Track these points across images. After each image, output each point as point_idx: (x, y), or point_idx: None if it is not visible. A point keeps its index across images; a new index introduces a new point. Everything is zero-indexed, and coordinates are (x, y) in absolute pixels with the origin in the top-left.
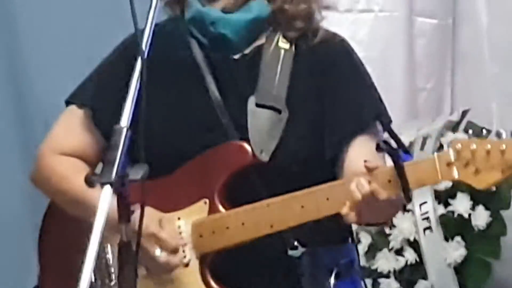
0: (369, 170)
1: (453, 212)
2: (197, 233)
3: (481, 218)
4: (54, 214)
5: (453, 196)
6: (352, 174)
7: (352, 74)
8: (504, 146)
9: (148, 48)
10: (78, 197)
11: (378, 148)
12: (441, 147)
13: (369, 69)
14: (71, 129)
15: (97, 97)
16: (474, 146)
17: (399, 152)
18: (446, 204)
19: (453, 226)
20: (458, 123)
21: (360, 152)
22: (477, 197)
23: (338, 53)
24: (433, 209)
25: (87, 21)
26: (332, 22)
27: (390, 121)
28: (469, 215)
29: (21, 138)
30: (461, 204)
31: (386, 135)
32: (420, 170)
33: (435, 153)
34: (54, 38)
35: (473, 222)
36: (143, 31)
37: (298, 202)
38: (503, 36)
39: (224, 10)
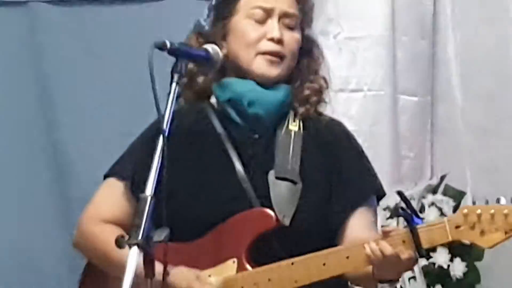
0: (386, 233)
1: (434, 264)
2: None
3: (458, 268)
4: (91, 272)
5: (434, 250)
6: (365, 239)
7: (353, 155)
8: (506, 211)
9: (168, 127)
10: (115, 259)
11: (397, 213)
12: (422, 207)
13: (359, 141)
14: (111, 198)
15: (134, 171)
16: (479, 211)
17: (413, 217)
18: (428, 257)
19: (434, 275)
20: (437, 187)
21: (360, 221)
22: (455, 250)
23: (341, 136)
24: None
25: (119, 108)
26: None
27: (384, 194)
28: (448, 266)
29: (62, 208)
30: (441, 257)
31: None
32: (432, 232)
33: (445, 217)
34: (90, 123)
35: (452, 272)
36: (164, 114)
37: (321, 260)
38: (475, 112)
39: (259, 81)
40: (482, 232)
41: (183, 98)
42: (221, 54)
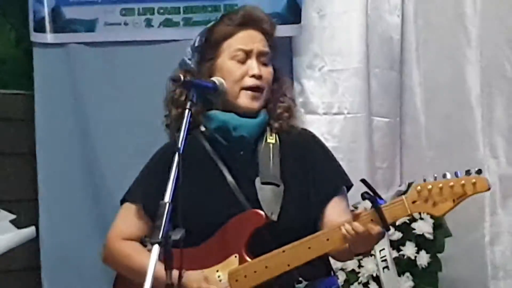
0: (356, 215)
1: (403, 255)
2: (233, 278)
3: (423, 259)
4: (120, 280)
5: (403, 244)
6: (340, 222)
7: (323, 155)
8: (452, 183)
9: (182, 147)
10: (138, 269)
11: (363, 197)
12: None
13: (340, 155)
14: (129, 220)
15: (146, 194)
16: (430, 186)
17: (377, 199)
18: (398, 250)
19: (404, 265)
20: (405, 192)
21: (335, 209)
22: (420, 244)
23: (311, 142)
24: (389, 253)
25: (144, 134)
26: (314, 121)
27: (352, 185)
28: (415, 257)
29: (98, 221)
30: (409, 249)
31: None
32: (394, 209)
33: (403, 195)
34: (119, 149)
35: (418, 262)
36: (178, 136)
37: (306, 245)
38: (436, 130)
39: (243, 112)
40: (434, 203)
41: (178, 127)
42: (225, 85)
